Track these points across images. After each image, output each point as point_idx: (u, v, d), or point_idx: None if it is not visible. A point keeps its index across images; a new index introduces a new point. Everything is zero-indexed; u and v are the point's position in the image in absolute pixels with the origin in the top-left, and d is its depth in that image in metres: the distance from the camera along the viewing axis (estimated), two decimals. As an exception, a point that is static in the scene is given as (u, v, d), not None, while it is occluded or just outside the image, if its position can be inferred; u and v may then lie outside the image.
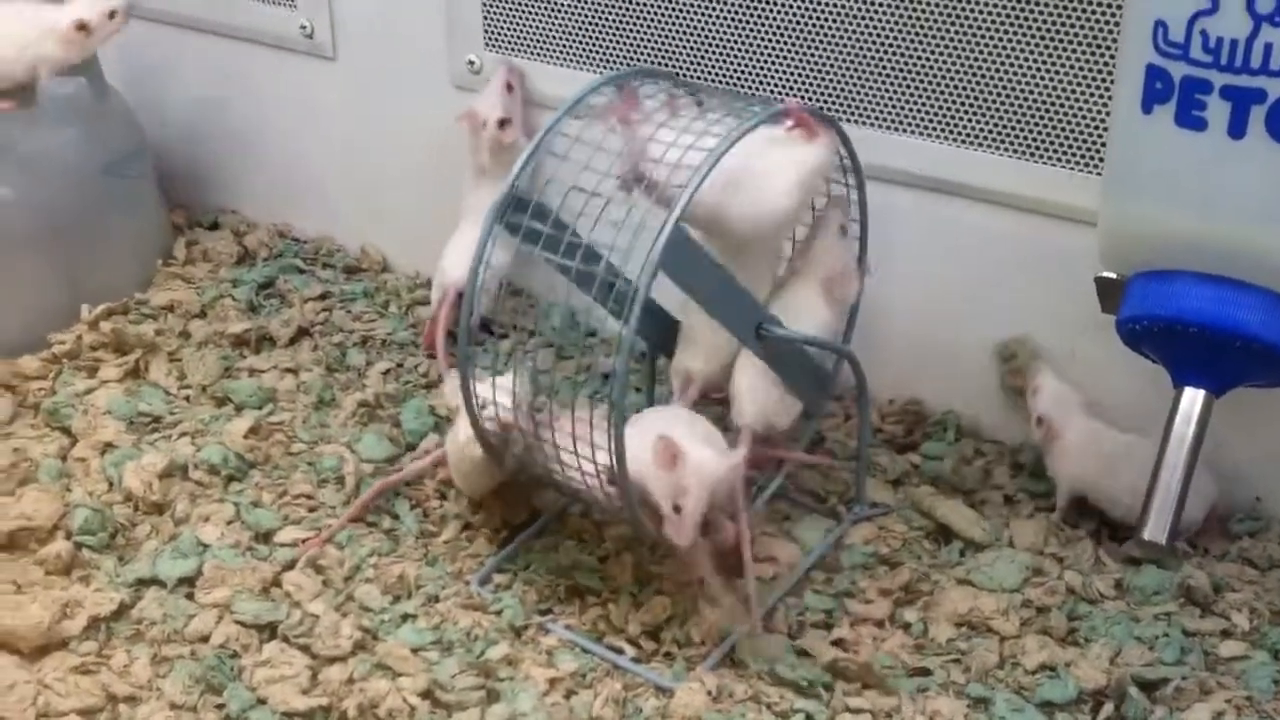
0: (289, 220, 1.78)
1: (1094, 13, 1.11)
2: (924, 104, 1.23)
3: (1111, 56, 1.11)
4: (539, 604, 1.13)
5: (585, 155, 1.03)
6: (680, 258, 1.00)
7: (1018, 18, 1.15)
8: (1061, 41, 1.14)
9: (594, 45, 1.40)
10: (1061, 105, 1.16)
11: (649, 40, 1.36)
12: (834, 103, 1.27)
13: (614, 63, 1.39)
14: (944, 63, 1.20)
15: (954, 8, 1.17)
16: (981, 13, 1.16)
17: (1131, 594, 1.12)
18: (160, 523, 1.24)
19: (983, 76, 1.19)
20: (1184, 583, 1.11)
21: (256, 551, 1.20)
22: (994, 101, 1.19)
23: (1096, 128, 1.14)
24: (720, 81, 1.33)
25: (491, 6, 1.45)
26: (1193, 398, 0.99)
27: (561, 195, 1.02)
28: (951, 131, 1.22)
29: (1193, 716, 0.99)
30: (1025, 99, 1.17)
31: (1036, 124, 1.17)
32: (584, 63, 1.41)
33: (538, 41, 1.44)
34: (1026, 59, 1.16)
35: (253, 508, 1.25)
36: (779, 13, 1.27)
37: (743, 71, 1.31)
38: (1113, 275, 1.04)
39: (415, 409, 1.38)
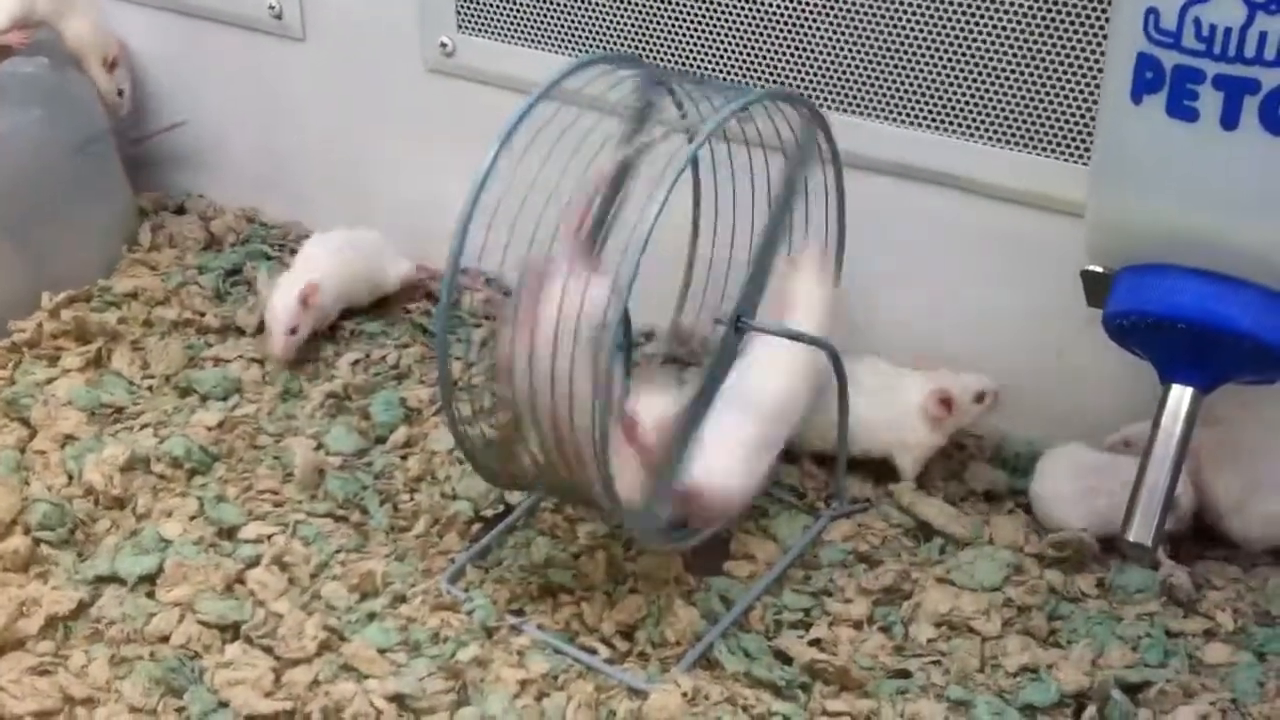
0: (257, 205, 1.74)
1: (1081, -1, 1.09)
2: (907, 91, 1.20)
3: (1101, 43, 1.08)
4: (511, 603, 1.11)
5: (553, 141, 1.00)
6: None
7: (1005, 2, 1.12)
8: (1049, 28, 1.11)
9: (569, 28, 1.37)
10: (1049, 93, 1.13)
11: (626, 23, 1.33)
12: (815, 89, 1.24)
13: (589, 46, 1.36)
14: (928, 48, 1.18)
15: (938, -7, 1.15)
16: (966, -2, 1.14)
17: (1114, 593, 1.11)
18: (121, 518, 1.21)
19: (967, 63, 1.16)
20: (1166, 581, 1.10)
21: (220, 548, 1.17)
22: (979, 89, 1.17)
23: (1084, 117, 1.12)
24: (699, 66, 1.31)
25: (464, -13, 1.42)
26: (1180, 394, 0.97)
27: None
28: (934, 119, 1.20)
29: (1177, 720, 0.98)
30: (1011, 86, 1.15)
31: (1022, 112, 1.15)
32: (558, 46, 1.38)
33: (511, 23, 1.41)
34: (1012, 45, 1.13)
35: (216, 502, 1.22)
36: (759, -4, 1.24)
37: (722, 56, 1.29)
38: (1099, 269, 1.02)
39: (385, 400, 1.35)
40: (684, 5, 1.29)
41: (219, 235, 1.69)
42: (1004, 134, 1.17)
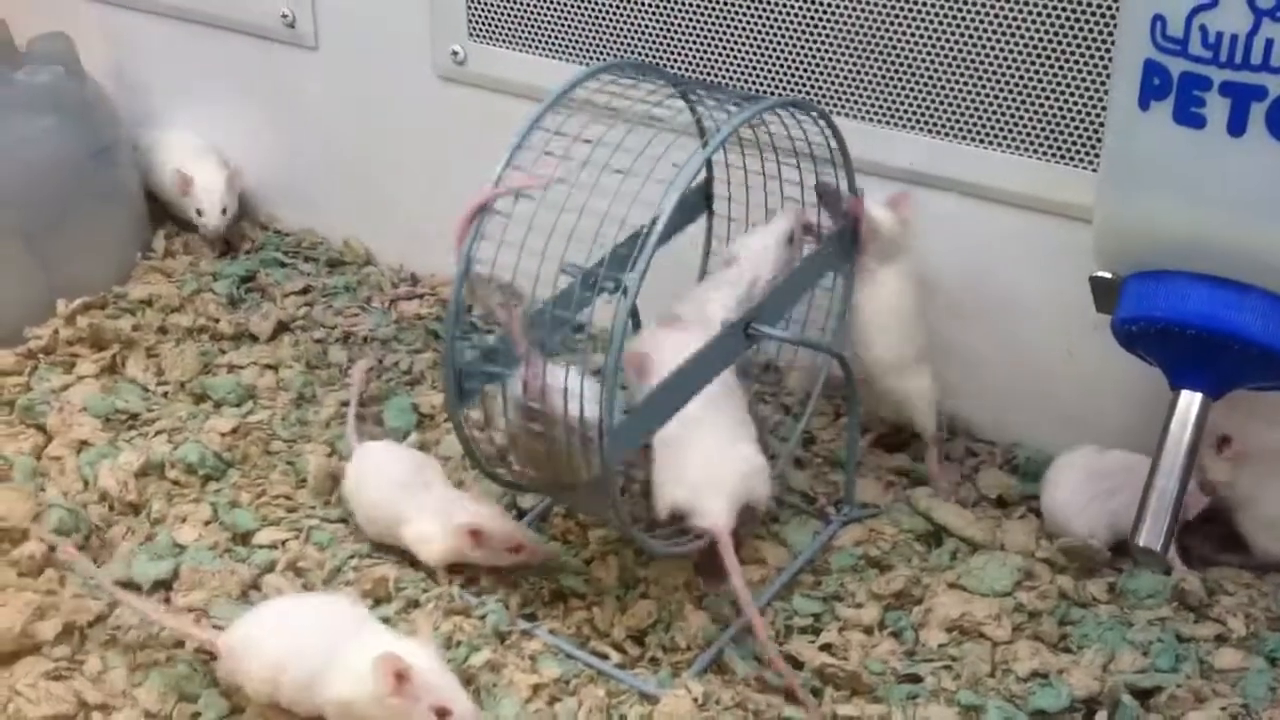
0: (271, 212, 1.75)
1: (1092, 6, 1.09)
2: (918, 98, 1.20)
3: (1109, 51, 1.09)
4: (523, 608, 1.11)
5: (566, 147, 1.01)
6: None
7: (1013, 10, 1.13)
8: (1058, 35, 1.11)
9: (579, 36, 1.37)
10: (1057, 100, 1.13)
11: (636, 31, 1.34)
12: (825, 95, 1.25)
13: (600, 54, 1.37)
14: (938, 55, 1.18)
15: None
16: (976, 4, 1.14)
17: (1124, 598, 1.11)
18: (136, 523, 1.22)
19: (977, 69, 1.16)
20: (1178, 586, 1.10)
21: (234, 553, 1.18)
22: (989, 95, 1.17)
23: (1093, 123, 1.12)
24: (709, 73, 1.31)
25: (476, -4, 1.43)
26: (1189, 400, 0.97)
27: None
28: (946, 126, 1.20)
29: (1187, 725, 0.98)
30: (1021, 93, 1.15)
31: (1032, 119, 1.15)
32: (569, 54, 1.39)
33: (523, 31, 1.41)
34: (1022, 52, 1.14)
35: (231, 508, 1.23)
36: (770, 2, 1.24)
37: (732, 63, 1.29)
38: (1108, 275, 1.02)
39: (398, 407, 1.36)
40: (697, 13, 1.29)
41: (233, 243, 1.70)
42: (1013, 140, 1.17)
